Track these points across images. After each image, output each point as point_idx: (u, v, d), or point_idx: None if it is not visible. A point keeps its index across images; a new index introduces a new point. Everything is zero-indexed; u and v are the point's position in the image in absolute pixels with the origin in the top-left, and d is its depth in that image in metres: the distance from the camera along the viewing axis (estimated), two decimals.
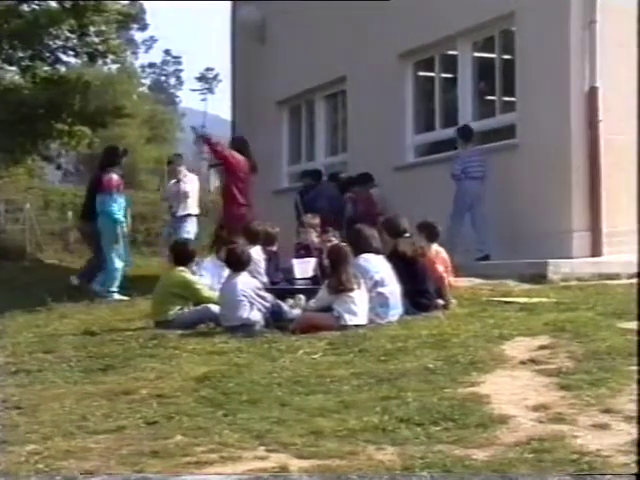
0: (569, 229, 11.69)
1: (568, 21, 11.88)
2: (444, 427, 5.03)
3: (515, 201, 12.35)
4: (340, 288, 8.39)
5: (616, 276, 10.81)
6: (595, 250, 11.69)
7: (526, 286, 10.44)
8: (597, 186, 11.74)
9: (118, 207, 12.16)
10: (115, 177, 12.22)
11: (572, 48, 11.84)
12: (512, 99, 13.13)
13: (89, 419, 5.63)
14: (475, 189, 12.54)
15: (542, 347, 6.86)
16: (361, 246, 8.96)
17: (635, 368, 6.05)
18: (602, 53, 11.78)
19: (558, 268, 10.88)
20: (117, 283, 12.22)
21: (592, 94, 11.79)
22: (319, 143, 18.08)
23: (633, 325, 7.45)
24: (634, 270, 10.84)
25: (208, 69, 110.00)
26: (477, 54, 14.11)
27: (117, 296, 12.07)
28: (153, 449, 4.90)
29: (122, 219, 12.24)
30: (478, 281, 10.85)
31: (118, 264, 12.26)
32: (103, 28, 24.61)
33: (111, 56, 26.22)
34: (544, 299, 9.20)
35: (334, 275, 8.55)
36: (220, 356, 7.33)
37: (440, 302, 9.23)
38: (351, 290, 8.36)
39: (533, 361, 6.46)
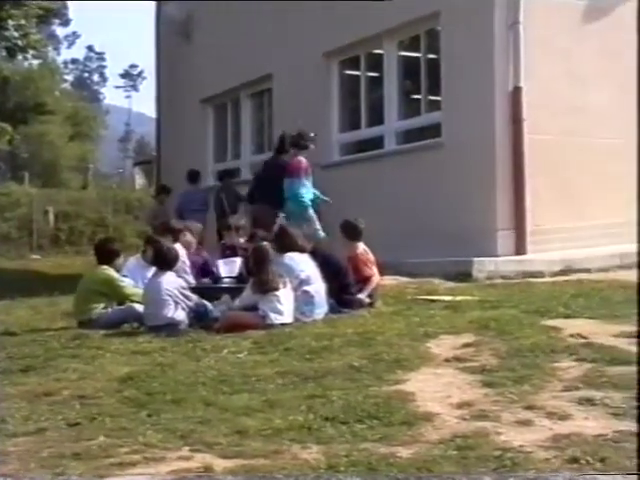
0: (494, 228, 11.83)
1: (492, 21, 12.03)
2: (369, 425, 5.05)
3: (440, 200, 12.48)
4: (264, 288, 8.39)
5: (540, 274, 10.97)
6: (519, 248, 11.86)
7: (451, 284, 10.55)
8: (521, 185, 11.91)
9: (306, 191, 11.87)
10: (304, 161, 11.97)
11: (496, 48, 12.00)
12: (437, 98, 13.26)
13: (8, 421, 5.53)
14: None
15: (466, 345, 6.93)
16: (287, 245, 8.97)
17: (558, 365, 6.15)
18: (526, 53, 11.95)
19: (483, 266, 11.02)
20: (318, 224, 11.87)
21: (516, 94, 11.96)
22: (245, 141, 18.06)
23: (556, 322, 7.59)
24: (558, 268, 11.04)
25: (132, 66, 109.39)
26: (403, 53, 14.22)
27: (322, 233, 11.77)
28: (75, 451, 4.83)
29: (309, 203, 11.86)
30: (404, 279, 10.93)
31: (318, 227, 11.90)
32: (22, 22, 24.23)
33: (31, 51, 25.87)
34: (469, 297, 9.30)
35: (258, 275, 8.55)
36: (144, 356, 7.26)
37: (366, 300, 9.29)
38: (276, 289, 8.36)
39: (457, 359, 6.52)
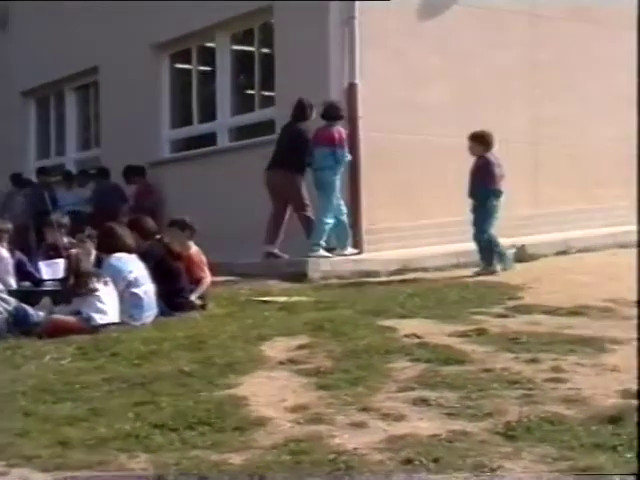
0: None
1: (327, 16, 12.14)
2: (200, 432, 5.00)
3: None
4: (82, 290, 8.22)
5: (376, 274, 11.12)
6: (356, 248, 12.01)
7: (286, 285, 10.57)
8: (357, 183, 12.08)
9: (339, 160, 11.61)
10: (343, 130, 11.68)
11: (331, 44, 12.13)
12: (271, 94, 13.30)
13: None
14: None
15: (301, 347, 6.95)
16: (113, 245, 8.80)
17: (393, 365, 6.25)
18: (362, 49, 12.11)
19: (318, 266, 11.08)
20: (325, 238, 11.60)
21: (351, 90, 12.11)
22: (70, 137, 17.65)
23: (391, 323, 7.71)
24: (394, 267, 11.21)
25: None
26: (236, 47, 14.19)
27: (322, 252, 11.51)
28: None
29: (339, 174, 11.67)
30: (237, 280, 10.90)
31: (330, 219, 11.62)
32: None
33: None
34: (304, 298, 9.34)
35: (74, 278, 8.39)
36: None
37: (198, 302, 9.22)
38: (94, 290, 8.20)
39: (292, 361, 6.52)
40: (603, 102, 14.12)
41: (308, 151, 11.67)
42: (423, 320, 7.85)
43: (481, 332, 7.18)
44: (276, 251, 11.76)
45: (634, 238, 13.03)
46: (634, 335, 6.89)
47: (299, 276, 10.86)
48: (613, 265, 11.21)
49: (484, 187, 10.75)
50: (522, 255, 11.76)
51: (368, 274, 11.10)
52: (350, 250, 11.85)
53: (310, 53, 12.35)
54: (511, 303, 8.57)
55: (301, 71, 12.42)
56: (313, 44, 12.34)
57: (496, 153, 10.98)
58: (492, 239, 10.75)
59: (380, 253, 11.83)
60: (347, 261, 11.54)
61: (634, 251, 12.31)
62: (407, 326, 7.50)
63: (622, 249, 12.59)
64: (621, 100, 14.27)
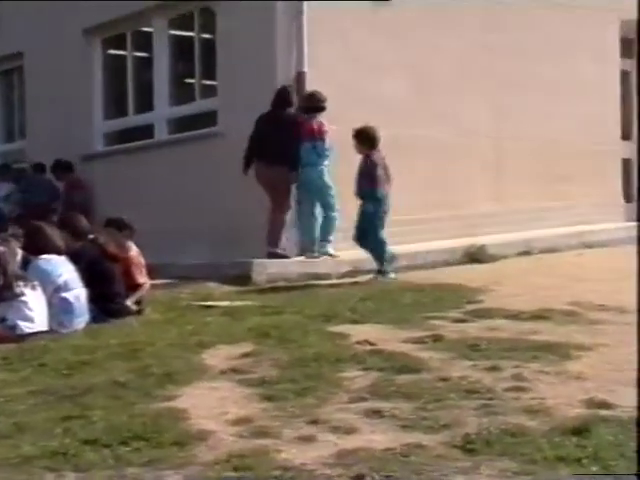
0: None
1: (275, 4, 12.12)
2: (135, 448, 4.96)
3: (217, 195, 12.47)
4: (6, 295, 8.13)
5: (326, 276, 11.14)
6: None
7: (229, 288, 10.56)
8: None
9: (321, 155, 11.69)
10: (325, 123, 11.75)
11: (278, 29, 12.12)
12: (214, 83, 13.25)
13: None
14: None
15: (245, 355, 6.94)
16: (41, 246, 8.72)
17: (343, 374, 6.26)
18: (310, 36, 12.11)
19: (264, 268, 11.07)
20: (333, 234, 11.70)
21: (299, 79, 12.11)
22: None
23: (342, 328, 7.72)
24: (346, 269, 11.24)
25: None
26: (174, 32, 14.13)
27: (330, 249, 11.63)
28: None
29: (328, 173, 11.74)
30: (176, 284, 10.86)
31: (335, 212, 11.71)
32: None
33: None
34: (248, 302, 9.34)
35: (3, 279, 8.29)
36: None
37: (134, 308, 9.17)
38: (20, 295, 8.11)
39: (235, 370, 6.51)
40: (567, 92, 14.27)
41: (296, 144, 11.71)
42: (376, 325, 7.87)
43: (438, 338, 7.20)
44: (280, 251, 11.73)
45: (601, 237, 13.23)
46: (600, 340, 6.97)
47: (243, 279, 10.84)
48: (578, 266, 11.34)
49: (367, 188, 10.81)
50: (482, 255, 11.85)
51: (317, 277, 11.12)
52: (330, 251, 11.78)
53: (255, 39, 12.33)
54: (470, 307, 8.61)
55: (245, 59, 12.39)
56: (258, 29, 12.33)
57: (382, 152, 10.95)
58: (380, 243, 10.78)
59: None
60: (295, 263, 11.54)
61: (601, 251, 12.51)
62: (359, 332, 7.51)
63: (588, 249, 12.75)
64: (587, 90, 14.45)
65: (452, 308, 8.57)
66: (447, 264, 11.72)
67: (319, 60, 12.15)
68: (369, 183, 10.76)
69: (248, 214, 12.02)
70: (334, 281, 10.94)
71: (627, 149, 15.58)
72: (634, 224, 14.14)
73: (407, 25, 12.86)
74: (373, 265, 11.20)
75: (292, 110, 11.93)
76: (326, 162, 11.72)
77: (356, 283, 10.60)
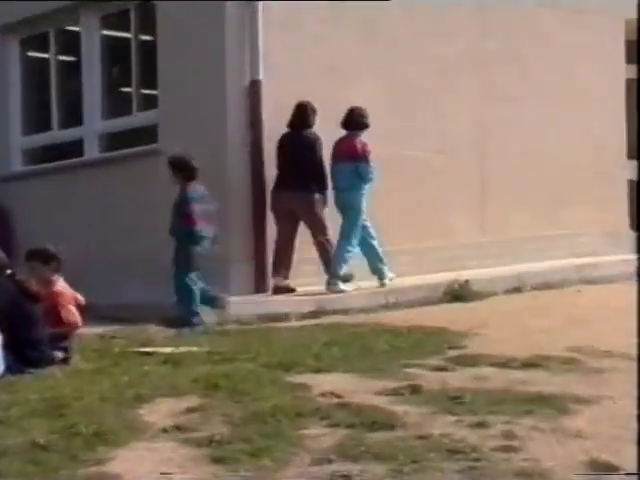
0: (225, 258, 11.94)
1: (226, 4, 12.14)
2: None
3: (157, 223, 12.42)
4: None
5: (285, 317, 11.13)
6: (260, 285, 12.06)
7: (172, 332, 10.54)
8: (261, 203, 12.10)
9: (363, 177, 12.15)
10: (366, 142, 12.23)
11: (228, 30, 12.13)
12: (154, 92, 13.24)
13: None
14: None
15: (190, 410, 6.92)
16: None
17: (306, 432, 6.25)
18: (266, 38, 12.14)
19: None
20: (345, 269, 12.06)
21: (254, 89, 12.13)
22: None
23: (304, 378, 7.72)
24: (308, 309, 11.25)
25: None
26: (107, 32, 14.11)
27: (341, 285, 11.93)
28: None
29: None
30: (111, 327, 10.82)
31: (354, 247, 12.15)
32: None
33: None
34: (194, 348, 9.32)
35: None
36: None
37: (59, 356, 9.11)
38: None
39: (178, 428, 6.49)
40: (565, 103, 14.37)
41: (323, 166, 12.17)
42: (343, 375, 7.88)
43: (416, 389, 7.22)
44: (288, 283, 11.98)
45: (604, 272, 13.26)
46: (603, 392, 7.01)
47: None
48: (578, 306, 11.38)
49: (181, 226, 11.02)
50: (466, 293, 11.88)
51: (275, 318, 11.11)
52: (391, 276, 12.21)
53: (201, 42, 12.34)
54: (452, 353, 8.65)
55: (190, 64, 12.40)
56: (205, 30, 12.34)
57: (200, 183, 11.22)
58: (185, 289, 10.99)
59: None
60: (249, 302, 11.53)
61: (604, 288, 12.55)
62: (323, 382, 7.52)
63: (589, 285, 12.78)
64: (587, 101, 14.55)
65: (432, 354, 8.60)
66: (426, 303, 11.73)
67: (277, 66, 12.18)
68: (182, 220, 10.95)
69: None
70: (294, 323, 10.93)
71: (634, 169, 15.69)
72: None
73: (382, 27, 12.94)
74: (340, 304, 11.23)
75: (312, 131, 12.28)
76: (367, 186, 12.09)
77: (320, 325, 10.58)
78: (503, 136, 13.86)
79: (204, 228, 10.99)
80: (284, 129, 12.12)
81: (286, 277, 12.02)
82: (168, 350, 9.26)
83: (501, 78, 13.89)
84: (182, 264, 10.92)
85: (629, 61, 15.50)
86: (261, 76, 12.16)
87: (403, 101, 13.01)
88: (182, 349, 9.27)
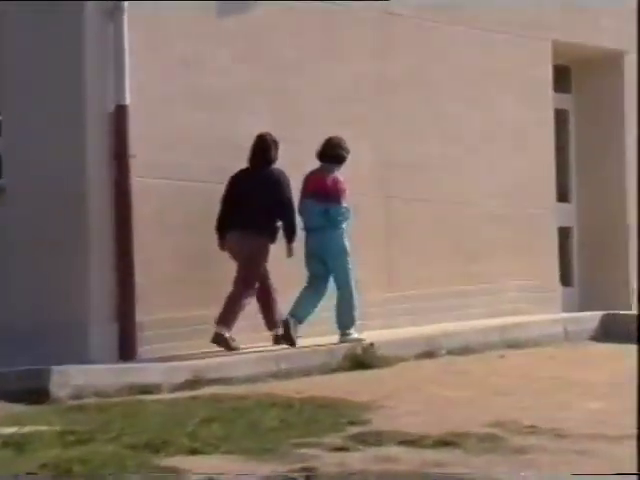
0: (85, 320, 11.90)
1: (82, 10, 12.06)
2: None
3: (6, 279, 12.29)
4: None
5: (156, 388, 11.02)
6: (126, 351, 11.99)
7: (18, 408, 10.34)
8: (128, 252, 11.98)
9: (333, 220, 12.44)
10: (341, 178, 12.56)
11: (87, 45, 12.05)
12: None
13: None
14: None
15: None
16: None
17: None
18: (134, 58, 12.08)
19: (67, 379, 10.87)
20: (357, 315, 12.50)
21: (119, 116, 12.04)
22: None
23: (177, 461, 7.63)
24: (184, 378, 11.17)
25: None
26: None
27: (355, 334, 12.35)
28: None
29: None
30: None
31: (354, 289, 12.53)
32: None
33: None
34: (43, 427, 9.14)
35: None
36: None
37: None
38: None
39: None
40: (482, 136, 14.49)
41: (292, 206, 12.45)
42: (225, 457, 7.83)
43: (310, 473, 7.19)
44: (228, 335, 12.09)
45: (531, 333, 13.38)
46: (527, 474, 7.01)
47: (37, 394, 10.64)
48: (501, 373, 11.44)
49: None
50: (370, 358, 11.88)
51: (144, 389, 10.99)
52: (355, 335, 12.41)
53: (55, 60, 12.24)
54: (353, 429, 8.62)
55: (42, 86, 12.28)
56: (59, 47, 12.23)
57: None
58: None
59: (158, 363, 11.74)
60: (112, 371, 11.39)
61: (531, 352, 12.65)
62: (200, 466, 7.47)
63: (514, 350, 12.87)
64: (509, 135, 14.70)
65: (330, 431, 8.58)
66: (323, 370, 11.75)
67: (147, 89, 12.12)
68: None
69: (45, 304, 11.89)
70: (166, 395, 10.82)
71: (565, 215, 15.86)
72: (574, 315, 14.37)
73: (271, 44, 12.97)
74: (221, 372, 11.16)
75: (274, 166, 12.47)
76: (344, 226, 12.40)
77: (197, 398, 10.49)
78: (411, 174, 13.88)
79: None
80: (155, 163, 12.01)
81: (228, 327, 12.08)
82: (11, 430, 9.07)
83: (407, 107, 13.94)
84: None
85: (557, 90, 15.71)
86: (127, 100, 12.06)
87: (290, 130, 12.91)
88: (28, 429, 9.09)
